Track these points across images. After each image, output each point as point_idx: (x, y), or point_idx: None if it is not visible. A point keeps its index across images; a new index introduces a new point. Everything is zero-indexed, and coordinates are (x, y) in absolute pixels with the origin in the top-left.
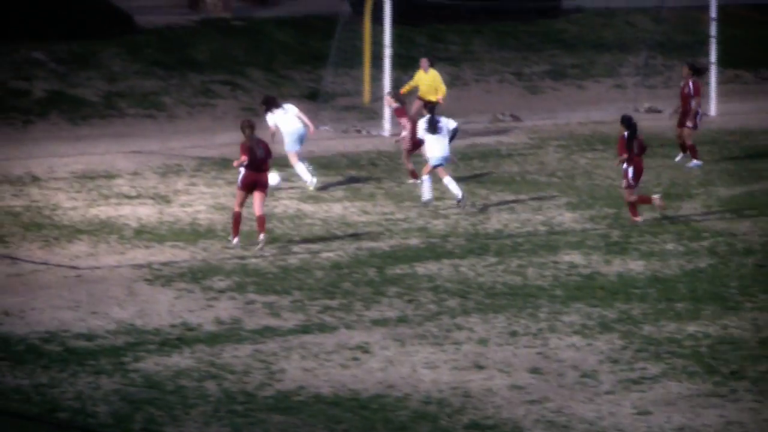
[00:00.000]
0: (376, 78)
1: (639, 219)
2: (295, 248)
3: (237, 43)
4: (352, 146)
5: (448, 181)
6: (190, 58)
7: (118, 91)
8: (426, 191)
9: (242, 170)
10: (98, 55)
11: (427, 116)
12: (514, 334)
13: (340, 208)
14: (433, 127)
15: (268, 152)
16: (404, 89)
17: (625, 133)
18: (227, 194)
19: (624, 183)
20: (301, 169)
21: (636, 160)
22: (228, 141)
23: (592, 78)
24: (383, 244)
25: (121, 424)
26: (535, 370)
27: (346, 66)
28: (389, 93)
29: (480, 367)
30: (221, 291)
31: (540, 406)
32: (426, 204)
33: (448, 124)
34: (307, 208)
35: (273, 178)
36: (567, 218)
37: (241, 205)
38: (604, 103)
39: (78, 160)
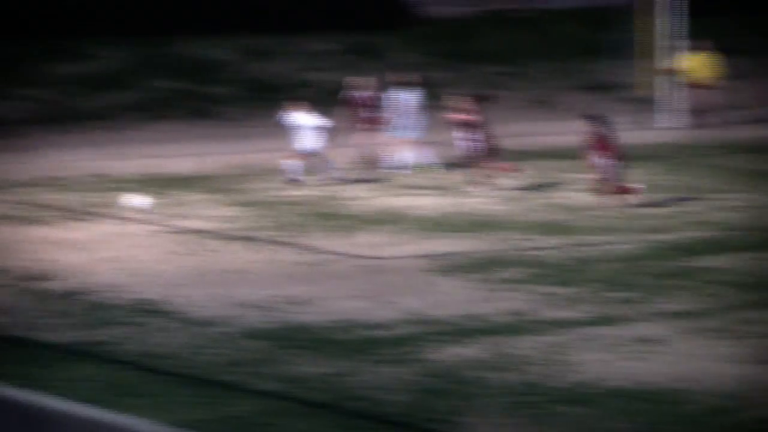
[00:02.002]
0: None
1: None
2: (590, 239)
3: (522, 35)
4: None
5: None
6: (474, 49)
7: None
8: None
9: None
10: (383, 46)
11: None
12: None
13: (633, 200)
14: None
15: None
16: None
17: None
18: (518, 185)
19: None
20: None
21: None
22: (514, 132)
23: None
24: (674, 236)
25: (416, 414)
26: None
27: (625, 57)
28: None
29: None
30: (515, 282)
31: None
32: None
33: None
34: (597, 200)
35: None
36: None
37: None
38: None
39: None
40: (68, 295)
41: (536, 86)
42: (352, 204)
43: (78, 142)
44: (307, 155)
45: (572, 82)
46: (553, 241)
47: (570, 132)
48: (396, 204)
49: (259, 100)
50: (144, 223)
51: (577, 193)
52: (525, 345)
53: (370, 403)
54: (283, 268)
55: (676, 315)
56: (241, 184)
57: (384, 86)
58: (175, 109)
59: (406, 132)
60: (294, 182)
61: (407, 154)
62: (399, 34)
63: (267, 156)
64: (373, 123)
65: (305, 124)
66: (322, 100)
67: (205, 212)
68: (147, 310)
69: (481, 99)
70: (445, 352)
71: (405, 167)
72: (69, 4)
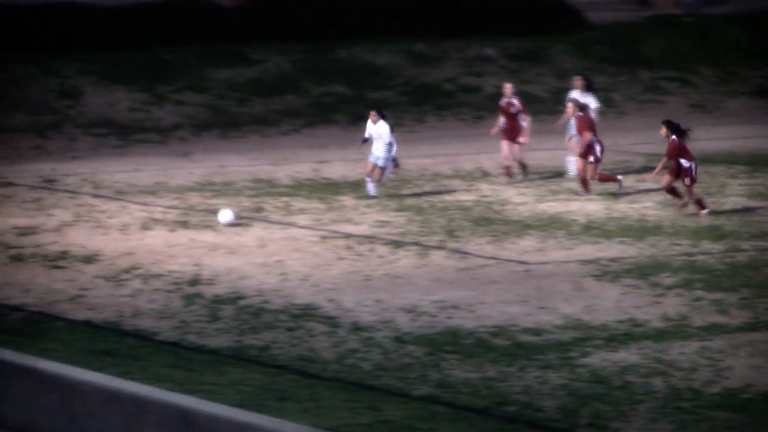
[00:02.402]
0: None
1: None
2: (744, 245)
3: (686, 40)
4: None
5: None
6: (639, 54)
7: (566, 87)
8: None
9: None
10: (548, 51)
11: None
12: None
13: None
14: None
15: None
16: None
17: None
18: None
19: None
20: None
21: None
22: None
23: None
24: None
25: (568, 419)
26: None
27: None
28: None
29: None
30: (668, 287)
31: None
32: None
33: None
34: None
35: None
36: None
37: None
38: None
39: (527, 155)
40: (221, 300)
41: (699, 91)
42: (505, 209)
43: (236, 147)
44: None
45: (736, 88)
46: (703, 246)
47: (731, 138)
48: (547, 209)
49: (422, 105)
50: (299, 228)
51: (730, 198)
52: (674, 351)
53: (520, 408)
54: (435, 273)
55: None
56: (398, 190)
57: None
58: (337, 114)
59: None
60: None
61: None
62: (564, 40)
63: (426, 161)
64: (511, 131)
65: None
66: (485, 106)
67: (362, 217)
68: (298, 315)
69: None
70: (595, 357)
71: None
72: (230, 10)
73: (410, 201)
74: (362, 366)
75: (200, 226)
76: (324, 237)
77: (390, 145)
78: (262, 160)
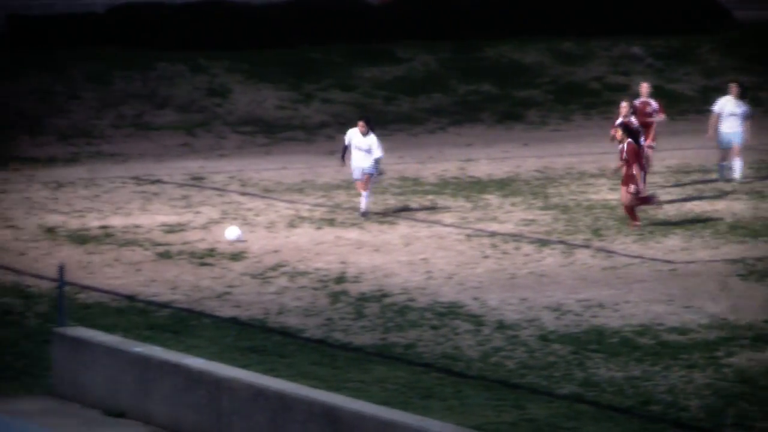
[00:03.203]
0: None
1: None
2: None
3: None
4: None
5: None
6: None
7: (714, 86)
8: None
9: None
10: (695, 50)
11: None
12: None
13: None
14: None
15: None
16: None
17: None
18: None
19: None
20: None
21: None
22: None
23: None
24: None
25: (713, 419)
26: None
27: None
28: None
29: None
30: None
31: None
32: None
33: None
34: None
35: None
36: None
37: None
38: None
39: (673, 155)
40: (366, 297)
41: None
42: (649, 208)
43: (382, 145)
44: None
45: None
46: None
47: None
48: (693, 208)
49: (568, 104)
50: (445, 226)
51: None
52: None
53: (664, 407)
54: (580, 272)
55: None
56: (544, 188)
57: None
58: (484, 113)
59: (735, 139)
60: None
61: (735, 162)
62: (712, 38)
63: (573, 160)
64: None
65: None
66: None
67: (507, 215)
68: (443, 313)
69: None
70: (741, 357)
71: (731, 175)
72: (378, 9)
73: (555, 199)
74: (507, 364)
75: (346, 223)
76: (469, 235)
77: (378, 161)
78: (408, 158)
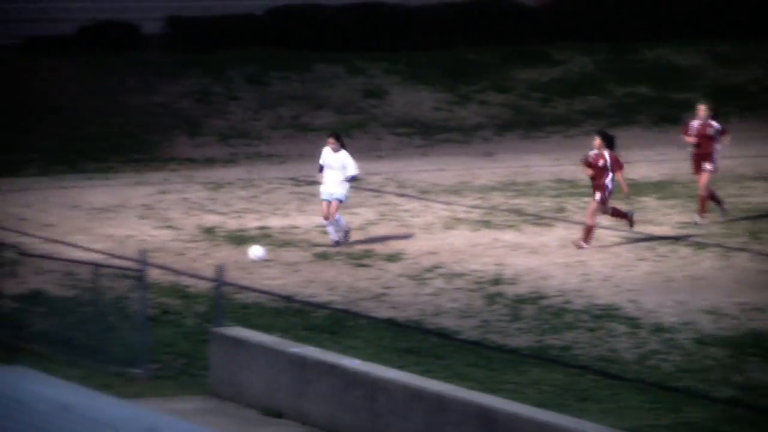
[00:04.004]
0: None
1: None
2: None
3: None
4: None
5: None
6: None
7: None
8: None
9: None
10: None
11: None
12: None
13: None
14: None
15: None
16: None
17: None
18: None
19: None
20: None
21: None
22: None
23: None
24: None
25: None
26: None
27: None
28: None
29: None
30: None
31: None
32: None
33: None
34: None
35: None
36: None
37: None
38: None
39: None
40: (522, 299)
41: None
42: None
43: (538, 147)
44: None
45: None
46: None
47: None
48: None
49: (726, 106)
50: (601, 228)
51: None
52: None
53: None
54: (738, 275)
55: None
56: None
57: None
58: (640, 115)
59: None
60: None
61: None
62: None
63: (730, 163)
64: (701, 156)
65: None
66: None
67: (664, 218)
68: (599, 315)
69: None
70: None
71: None
72: (535, 11)
73: (713, 203)
74: (663, 367)
75: (503, 225)
76: (626, 238)
77: (353, 179)
78: (564, 160)
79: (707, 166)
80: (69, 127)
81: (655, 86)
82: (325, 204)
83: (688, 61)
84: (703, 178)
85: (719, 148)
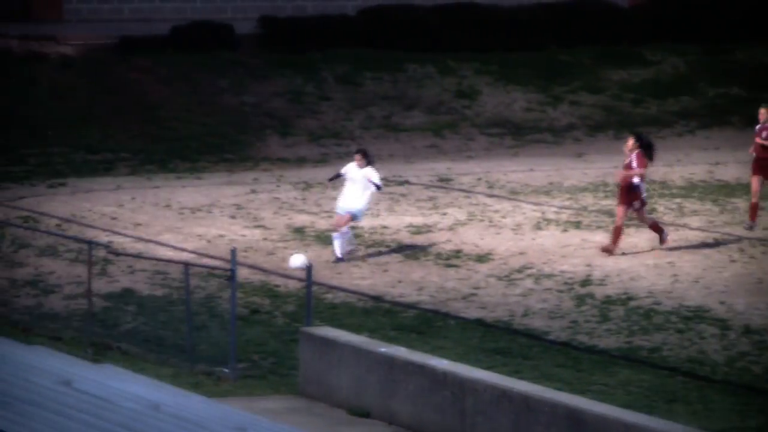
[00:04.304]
0: None
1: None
2: None
3: None
4: None
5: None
6: None
7: None
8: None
9: None
10: None
11: None
12: None
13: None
14: None
15: None
16: None
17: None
18: None
19: (638, 204)
20: None
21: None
22: None
23: None
24: None
25: None
26: None
27: None
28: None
29: None
30: None
31: None
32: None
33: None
34: None
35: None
36: None
37: None
38: None
39: None
40: (611, 300)
41: None
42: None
43: None
44: None
45: None
46: None
47: None
48: None
49: None
50: (691, 230)
51: None
52: None
53: None
54: None
55: None
56: None
57: None
58: (733, 116)
59: None
60: None
61: None
62: None
63: None
64: (763, 163)
65: None
66: None
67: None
68: (689, 317)
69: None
70: None
71: None
72: (627, 11)
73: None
74: (753, 369)
75: (592, 226)
76: (716, 239)
77: (378, 188)
78: (656, 161)
79: None
80: (161, 127)
81: (748, 87)
82: (338, 217)
83: None
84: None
85: None
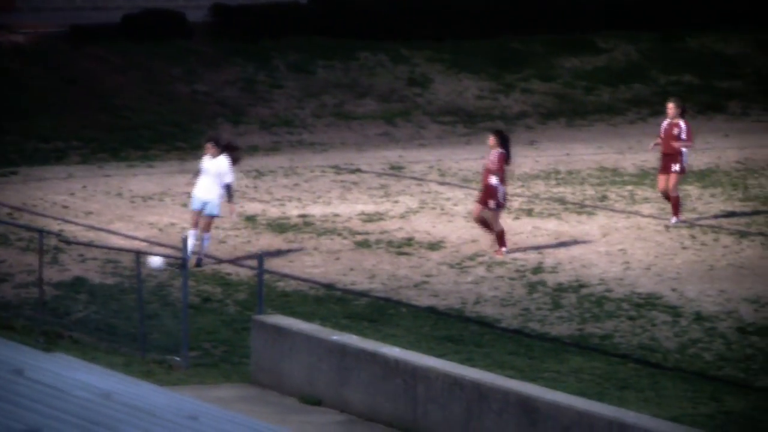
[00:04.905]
0: None
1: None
2: None
3: None
4: None
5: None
6: None
7: None
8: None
9: None
10: None
11: None
12: None
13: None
14: None
15: None
16: None
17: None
18: None
19: (493, 203)
20: None
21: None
22: None
23: None
24: None
25: None
26: None
27: None
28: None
29: None
30: None
31: None
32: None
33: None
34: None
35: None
36: None
37: None
38: None
39: None
40: (563, 288)
41: None
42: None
43: (582, 135)
44: None
45: None
46: None
47: None
48: None
49: None
50: (643, 217)
51: None
52: None
53: None
54: None
55: None
56: (745, 180)
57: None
58: (685, 103)
59: None
60: None
61: None
62: None
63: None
64: (669, 159)
65: None
66: None
67: (706, 206)
68: (640, 304)
69: None
70: None
71: None
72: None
73: (756, 191)
74: (704, 356)
75: (544, 214)
76: (667, 226)
77: (229, 186)
78: (607, 148)
79: (675, 167)
80: (113, 116)
81: (700, 75)
82: (194, 213)
83: (733, 49)
84: (672, 180)
85: (685, 150)
